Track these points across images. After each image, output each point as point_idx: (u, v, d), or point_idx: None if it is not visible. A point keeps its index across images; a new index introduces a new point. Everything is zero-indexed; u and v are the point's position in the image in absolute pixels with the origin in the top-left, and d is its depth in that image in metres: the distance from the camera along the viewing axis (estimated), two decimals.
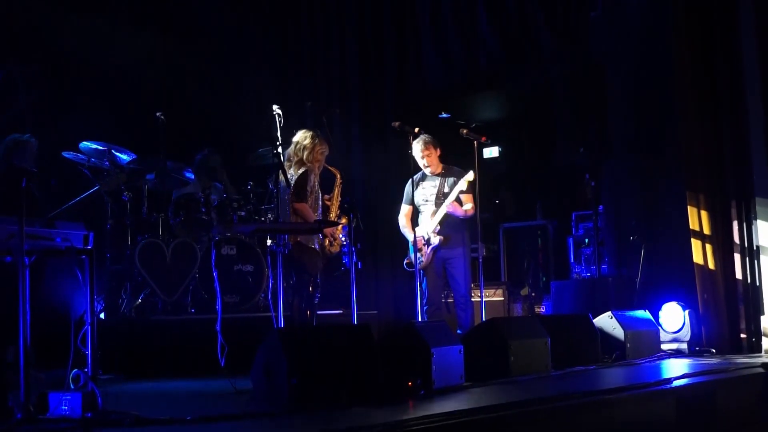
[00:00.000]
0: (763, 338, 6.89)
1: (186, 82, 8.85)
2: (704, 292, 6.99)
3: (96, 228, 4.93)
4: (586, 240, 9.24)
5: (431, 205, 7.22)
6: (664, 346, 6.86)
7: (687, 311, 6.90)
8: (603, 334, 6.40)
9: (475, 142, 7.16)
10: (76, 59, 8.23)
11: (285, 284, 6.12)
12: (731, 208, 7.17)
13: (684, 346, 6.85)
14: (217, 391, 5.01)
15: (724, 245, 7.14)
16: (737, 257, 7.14)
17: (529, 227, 10.20)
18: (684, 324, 6.89)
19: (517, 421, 4.02)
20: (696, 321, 6.91)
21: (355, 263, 6.51)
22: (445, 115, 10.16)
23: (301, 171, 6.51)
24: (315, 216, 6.49)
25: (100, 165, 7.41)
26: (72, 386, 4.10)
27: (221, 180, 8.23)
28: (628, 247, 7.72)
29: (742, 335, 7.04)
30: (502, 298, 8.80)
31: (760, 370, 5.72)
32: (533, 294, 9.49)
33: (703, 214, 7.08)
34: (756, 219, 7.08)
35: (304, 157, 6.55)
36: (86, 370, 4.06)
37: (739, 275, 7.12)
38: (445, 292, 7.57)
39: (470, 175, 7.09)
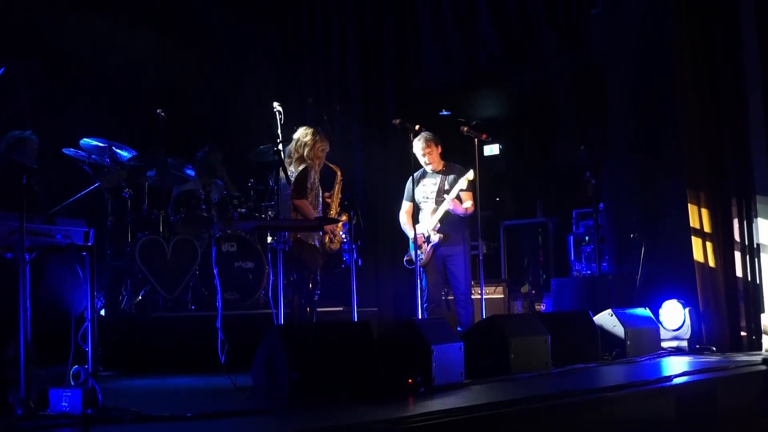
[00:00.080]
0: (764, 336, 6.90)
1: (186, 79, 8.86)
2: (704, 289, 6.99)
3: (96, 225, 4.94)
4: (587, 238, 9.25)
5: (431, 202, 7.22)
6: (664, 344, 6.86)
7: (687, 309, 6.89)
8: (603, 332, 6.40)
9: (476, 140, 7.16)
10: (77, 56, 8.23)
11: (285, 281, 6.13)
12: (732, 205, 7.17)
13: (684, 343, 6.85)
14: (217, 388, 5.01)
15: (724, 243, 7.13)
16: (738, 255, 7.14)
17: (529, 225, 10.21)
18: (684, 322, 6.89)
19: (517, 419, 4.02)
20: (696, 319, 6.91)
21: (356, 260, 6.51)
22: (445, 113, 10.16)
23: (301, 168, 6.51)
24: (315, 213, 6.50)
25: (100, 162, 7.42)
26: (72, 383, 4.10)
27: (221, 177, 8.25)
28: (629, 245, 7.71)
29: (743, 333, 7.04)
30: (502, 296, 8.79)
31: (761, 367, 5.71)
32: (533, 291, 9.50)
33: (704, 211, 7.07)
34: (756, 217, 7.08)
35: (305, 153, 6.55)
36: (86, 366, 4.06)
37: (739, 273, 7.12)
38: (446, 289, 7.57)
39: (470, 174, 7.09)
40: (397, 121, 7.02)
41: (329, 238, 6.68)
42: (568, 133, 9.95)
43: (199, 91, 8.84)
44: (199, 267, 7.21)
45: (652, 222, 7.52)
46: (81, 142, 7.37)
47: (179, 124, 7.78)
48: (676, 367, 5.81)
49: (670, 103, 7.29)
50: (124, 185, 7.43)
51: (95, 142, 7.38)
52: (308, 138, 6.57)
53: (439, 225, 7.15)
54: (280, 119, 6.39)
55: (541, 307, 9.23)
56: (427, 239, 7.16)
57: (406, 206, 7.39)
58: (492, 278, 8.94)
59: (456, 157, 7.45)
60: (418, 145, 7.19)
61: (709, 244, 7.06)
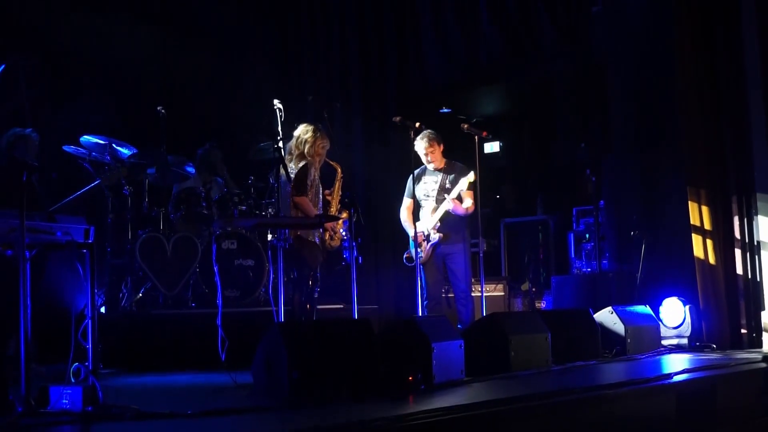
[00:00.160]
0: (764, 334, 6.90)
1: (187, 77, 8.85)
2: (705, 287, 6.99)
3: (97, 222, 4.92)
4: (587, 235, 9.24)
5: (432, 200, 7.22)
6: (664, 342, 6.86)
7: (687, 306, 6.89)
8: (603, 329, 6.40)
9: (476, 137, 7.16)
10: (78, 54, 8.23)
11: (286, 279, 6.13)
12: (732, 203, 7.18)
13: (684, 341, 6.85)
14: (217, 386, 5.01)
15: (724, 240, 7.14)
16: (738, 252, 7.15)
17: (529, 222, 10.21)
18: (684, 319, 6.89)
19: (517, 416, 4.02)
20: (696, 316, 6.91)
21: (356, 258, 6.51)
22: (446, 110, 10.15)
23: (301, 165, 6.50)
24: (316, 210, 6.49)
25: (101, 159, 7.41)
26: (73, 380, 4.10)
27: (222, 174, 8.24)
28: (629, 243, 7.71)
29: (743, 330, 7.05)
30: (502, 293, 8.80)
31: (761, 365, 5.71)
32: (534, 289, 9.50)
33: (704, 209, 7.07)
34: (757, 214, 7.09)
35: (305, 150, 6.54)
36: (87, 364, 4.06)
37: (739, 270, 7.13)
38: (446, 287, 7.58)
39: (471, 176, 7.09)
40: (398, 118, 7.03)
41: (329, 235, 6.68)
42: (568, 131, 9.96)
43: (199, 89, 8.84)
44: (200, 264, 7.21)
45: (653, 219, 7.52)
46: (81, 139, 7.36)
47: (180, 121, 7.78)
48: (676, 364, 5.81)
49: (671, 101, 7.29)
50: (124, 182, 7.43)
51: (96, 140, 7.37)
52: (308, 135, 6.56)
53: (439, 224, 7.15)
54: (281, 117, 6.39)
55: (542, 304, 9.24)
56: (427, 237, 7.16)
57: (406, 203, 7.39)
58: (492, 276, 8.94)
59: (456, 154, 7.44)
60: (421, 144, 7.18)
61: (709, 242, 7.06)
